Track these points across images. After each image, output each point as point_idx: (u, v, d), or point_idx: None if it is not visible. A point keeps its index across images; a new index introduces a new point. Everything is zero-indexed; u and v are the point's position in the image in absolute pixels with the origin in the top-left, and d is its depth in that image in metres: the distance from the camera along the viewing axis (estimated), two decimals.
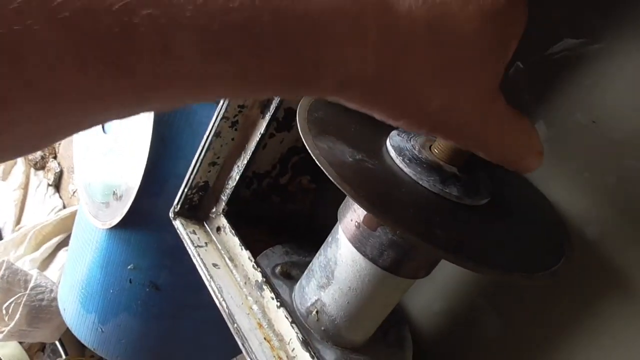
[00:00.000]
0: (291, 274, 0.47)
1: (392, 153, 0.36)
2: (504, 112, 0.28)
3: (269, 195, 0.57)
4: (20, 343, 1.39)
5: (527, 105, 0.41)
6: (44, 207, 1.63)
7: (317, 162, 0.32)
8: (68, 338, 0.80)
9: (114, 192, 0.67)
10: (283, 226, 0.59)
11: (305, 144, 0.33)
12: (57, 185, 1.75)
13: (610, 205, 0.38)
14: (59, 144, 1.79)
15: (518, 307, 0.46)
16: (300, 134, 0.34)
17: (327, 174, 0.31)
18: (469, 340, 0.50)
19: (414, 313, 0.54)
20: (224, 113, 0.47)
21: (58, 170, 1.74)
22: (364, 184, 0.33)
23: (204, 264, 0.48)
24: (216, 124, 0.47)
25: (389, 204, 0.32)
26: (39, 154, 1.76)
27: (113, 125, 0.69)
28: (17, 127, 0.14)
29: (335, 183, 0.31)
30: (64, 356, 1.35)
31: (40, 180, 1.74)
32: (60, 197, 1.70)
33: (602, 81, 0.38)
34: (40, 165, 1.79)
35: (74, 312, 0.77)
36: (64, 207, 1.64)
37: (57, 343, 1.40)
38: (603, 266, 0.39)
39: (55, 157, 1.80)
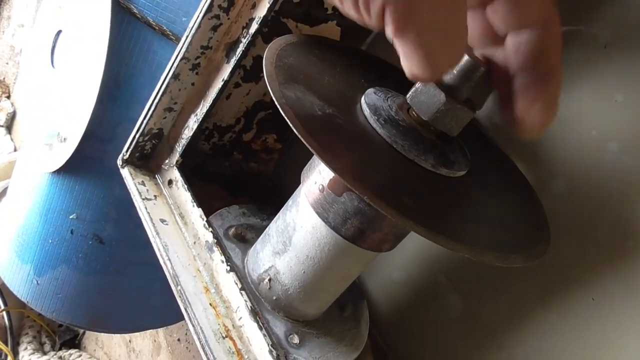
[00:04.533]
0: (246, 237, 0.43)
1: (367, 111, 0.32)
2: None
3: (230, 151, 0.53)
4: None
5: None
6: None
7: (281, 111, 0.28)
8: (8, 288, 0.74)
9: (58, 133, 0.61)
10: (243, 186, 0.55)
11: (270, 90, 0.29)
12: (9, 126, 1.64)
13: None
14: (13, 83, 1.67)
15: (481, 291, 0.44)
16: (266, 79, 0.30)
17: (291, 125, 0.27)
18: (427, 318, 0.48)
19: (371, 278, 0.52)
20: (184, 53, 0.42)
21: (11, 110, 1.63)
22: (331, 140, 0.29)
23: (151, 219, 0.43)
24: (175, 65, 0.42)
25: (359, 167, 0.28)
26: None
27: (62, 59, 0.63)
28: None
29: (299, 136, 0.27)
30: (2, 306, 1.28)
31: None
32: (12, 139, 1.60)
33: None
34: None
35: (8, 262, 0.71)
36: (15, 150, 1.54)
37: None
38: (567, 257, 0.37)
39: (8, 97, 1.69)
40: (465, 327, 0.45)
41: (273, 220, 0.40)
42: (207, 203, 0.47)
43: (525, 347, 0.40)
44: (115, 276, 0.67)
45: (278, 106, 0.28)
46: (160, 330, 1.07)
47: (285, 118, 0.27)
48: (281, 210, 0.39)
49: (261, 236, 0.40)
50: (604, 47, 0.35)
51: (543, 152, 0.39)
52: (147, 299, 0.71)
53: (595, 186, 0.36)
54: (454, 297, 0.46)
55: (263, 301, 0.39)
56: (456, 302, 0.46)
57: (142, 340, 1.13)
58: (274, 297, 0.38)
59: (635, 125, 0.34)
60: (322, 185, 0.34)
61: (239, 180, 0.55)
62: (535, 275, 0.39)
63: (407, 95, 0.32)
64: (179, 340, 1.02)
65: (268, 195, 0.57)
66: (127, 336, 1.22)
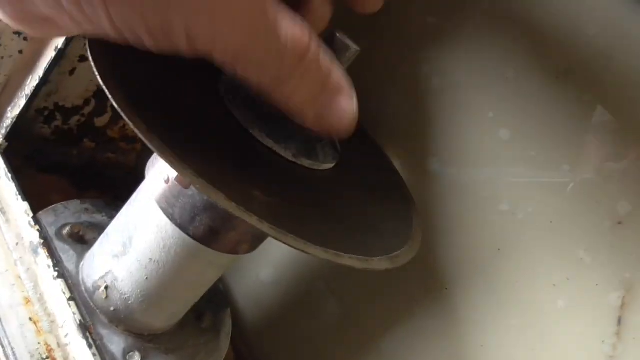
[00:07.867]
0: (85, 238, 0.36)
1: (222, 91, 0.28)
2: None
3: (79, 137, 0.45)
4: None
5: None
6: None
7: (98, 78, 0.22)
8: None
9: None
10: (96, 179, 0.48)
11: (89, 54, 0.23)
12: None
13: None
14: None
15: (358, 292, 0.41)
16: (87, 43, 0.24)
17: (110, 97, 0.22)
18: (301, 324, 0.44)
19: (235, 278, 0.47)
20: None
21: None
22: (170, 121, 0.24)
23: None
24: None
25: (199, 152, 0.23)
26: None
27: None
28: None
29: (120, 112, 0.21)
30: None
31: None
32: None
33: None
34: None
35: None
36: None
37: None
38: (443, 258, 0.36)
39: None
40: (343, 332, 0.42)
41: (115, 218, 0.34)
42: (45, 197, 0.39)
43: (402, 348, 0.38)
44: None
45: (95, 72, 0.22)
46: None
47: (104, 88, 0.22)
48: (124, 206, 0.33)
49: (100, 236, 0.34)
50: None
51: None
52: None
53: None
54: (330, 299, 0.43)
55: (99, 313, 0.33)
56: (332, 304, 0.43)
57: None
58: (112, 308, 0.32)
59: None
60: (168, 176, 0.29)
61: (91, 172, 0.47)
62: (410, 274, 0.37)
63: None
64: None
65: (128, 190, 0.50)
66: None
